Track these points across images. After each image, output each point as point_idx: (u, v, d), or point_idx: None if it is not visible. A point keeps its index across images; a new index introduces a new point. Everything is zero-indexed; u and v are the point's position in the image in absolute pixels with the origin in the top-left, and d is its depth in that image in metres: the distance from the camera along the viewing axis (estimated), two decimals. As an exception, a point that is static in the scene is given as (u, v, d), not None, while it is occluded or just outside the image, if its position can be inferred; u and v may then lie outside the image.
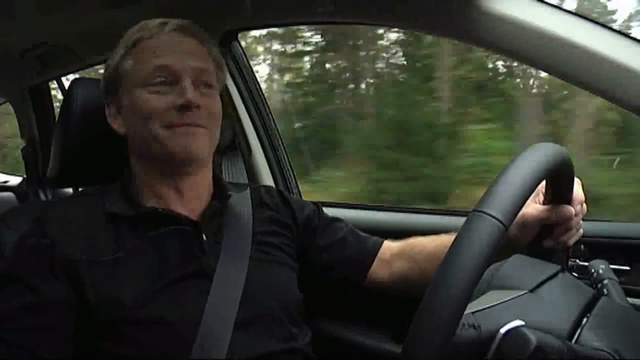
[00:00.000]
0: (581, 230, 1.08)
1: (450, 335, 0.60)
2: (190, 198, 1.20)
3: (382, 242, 1.35)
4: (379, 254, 1.33)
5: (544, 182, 1.02)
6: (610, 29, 0.97)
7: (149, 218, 1.13)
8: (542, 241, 1.06)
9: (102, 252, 1.07)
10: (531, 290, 0.75)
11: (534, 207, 1.07)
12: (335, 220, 1.39)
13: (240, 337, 1.06)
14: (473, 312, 0.69)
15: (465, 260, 0.62)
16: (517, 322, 0.66)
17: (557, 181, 0.96)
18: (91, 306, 1.03)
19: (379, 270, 1.32)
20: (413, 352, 0.59)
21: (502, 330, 0.65)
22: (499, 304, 0.71)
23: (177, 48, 1.17)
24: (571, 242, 1.07)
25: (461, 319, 0.61)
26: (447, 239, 1.22)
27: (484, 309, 0.70)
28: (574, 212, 1.03)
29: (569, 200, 1.02)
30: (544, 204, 1.07)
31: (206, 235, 1.16)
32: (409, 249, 1.30)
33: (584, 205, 1.07)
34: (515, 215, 0.66)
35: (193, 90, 1.14)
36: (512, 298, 0.73)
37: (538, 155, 0.74)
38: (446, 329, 0.59)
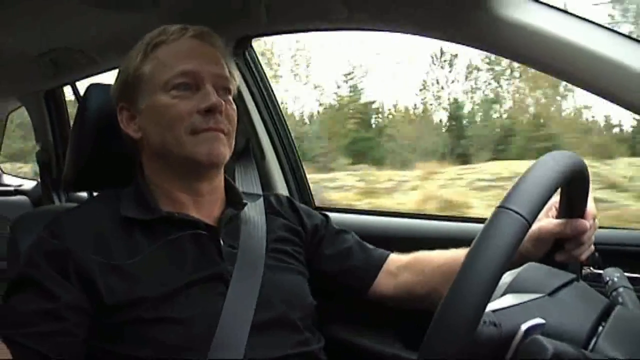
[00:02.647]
0: (592, 247, 1.09)
1: (474, 328, 0.61)
2: (206, 203, 1.21)
3: (388, 255, 1.36)
4: (384, 266, 1.33)
5: (557, 198, 1.03)
6: (621, 34, 0.97)
7: (165, 222, 1.14)
8: (555, 256, 1.06)
9: (118, 256, 1.08)
10: (549, 294, 0.75)
11: (548, 221, 1.08)
12: (343, 231, 1.40)
13: (255, 341, 1.07)
14: (493, 311, 0.70)
15: (489, 253, 0.63)
16: (539, 320, 0.67)
17: (573, 192, 0.96)
18: (107, 309, 1.03)
19: (383, 282, 1.32)
20: (436, 342, 0.60)
21: (523, 327, 0.65)
22: (519, 304, 0.72)
23: (198, 54, 1.17)
24: (583, 257, 1.08)
25: (482, 315, 0.62)
26: (454, 254, 1.22)
27: (504, 308, 0.71)
28: (588, 225, 1.04)
29: (582, 214, 1.03)
30: (557, 218, 1.07)
31: (223, 241, 1.16)
32: (416, 262, 1.31)
33: (597, 220, 1.07)
34: (538, 212, 0.68)
35: (216, 95, 1.15)
36: (532, 300, 0.73)
37: (561, 159, 0.76)
38: (470, 321, 0.60)
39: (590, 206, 1.05)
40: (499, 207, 0.66)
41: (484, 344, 0.66)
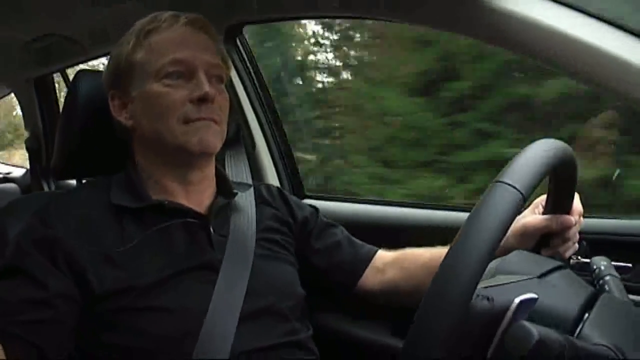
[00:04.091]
0: (576, 245, 1.10)
1: (468, 298, 0.62)
2: (196, 192, 1.21)
3: (376, 251, 1.36)
4: (372, 262, 1.34)
5: (543, 196, 1.05)
6: (614, 24, 0.97)
7: (155, 210, 1.14)
8: (540, 252, 1.08)
9: (108, 244, 1.07)
10: (539, 277, 0.77)
11: (534, 217, 1.10)
12: (332, 225, 1.40)
13: (244, 330, 1.07)
14: (486, 287, 0.71)
15: (485, 224, 0.64)
16: (532, 295, 0.68)
17: (561, 186, 0.98)
18: (96, 298, 1.03)
19: (370, 278, 1.33)
20: (432, 311, 0.61)
21: (517, 300, 0.66)
22: (510, 282, 0.74)
23: (191, 42, 1.17)
24: (568, 254, 1.09)
25: (477, 284, 0.63)
26: (441, 251, 1.23)
27: (497, 285, 0.72)
28: (574, 221, 1.05)
29: (568, 210, 1.04)
30: (543, 214, 1.09)
31: (213, 229, 1.16)
32: (403, 258, 1.32)
33: (582, 217, 1.09)
34: (534, 187, 0.69)
35: (208, 84, 1.14)
36: (522, 279, 0.75)
37: (554, 144, 0.78)
38: (464, 290, 0.61)
39: (577, 203, 1.07)
40: (495, 181, 0.68)
41: (477, 318, 0.68)
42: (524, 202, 0.67)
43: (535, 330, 0.61)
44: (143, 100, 1.16)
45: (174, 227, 1.13)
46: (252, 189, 1.33)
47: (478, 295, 0.69)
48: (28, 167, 3.15)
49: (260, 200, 1.32)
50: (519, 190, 0.67)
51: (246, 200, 1.28)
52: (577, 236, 1.10)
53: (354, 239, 1.39)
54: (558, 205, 1.05)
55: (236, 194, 1.26)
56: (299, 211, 1.37)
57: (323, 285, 1.36)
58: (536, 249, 1.09)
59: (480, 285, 0.68)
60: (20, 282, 1.03)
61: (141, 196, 1.16)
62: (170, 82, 1.14)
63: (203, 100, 1.13)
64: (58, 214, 1.10)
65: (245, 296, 1.11)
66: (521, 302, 0.66)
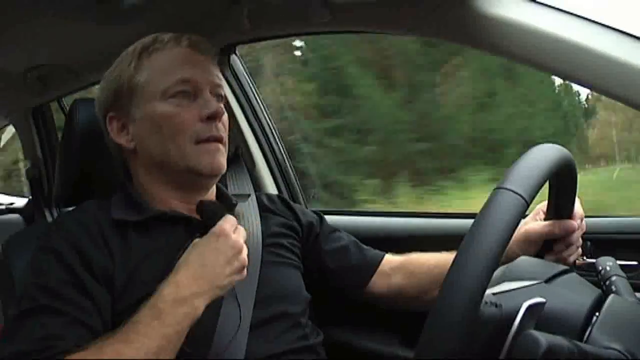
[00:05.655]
0: (580, 250, 1.10)
1: (477, 305, 0.62)
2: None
3: (383, 256, 1.36)
4: (379, 267, 1.34)
5: (544, 202, 1.05)
6: (606, 26, 0.97)
7: (157, 220, 1.14)
8: (543, 258, 1.08)
9: (117, 260, 1.07)
10: (545, 282, 0.77)
11: (536, 223, 1.10)
12: (337, 230, 1.41)
13: (257, 338, 1.07)
14: (494, 294, 0.71)
15: (489, 230, 0.64)
16: (540, 299, 0.67)
17: (561, 191, 0.98)
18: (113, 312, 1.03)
19: (377, 282, 1.33)
20: (441, 319, 0.62)
21: (525, 305, 0.66)
22: (518, 288, 0.74)
23: (195, 62, 1.18)
24: (572, 258, 1.09)
25: (485, 290, 0.63)
26: (447, 256, 1.23)
27: (504, 291, 0.73)
28: (577, 225, 1.05)
29: (570, 214, 1.04)
30: (545, 220, 1.09)
31: None
32: (408, 263, 1.32)
33: (584, 222, 1.08)
34: (535, 192, 0.70)
35: (215, 102, 1.15)
36: (530, 285, 0.75)
37: (552, 147, 0.80)
38: (472, 297, 0.62)
39: (578, 207, 1.07)
40: (497, 188, 0.69)
41: (486, 324, 0.68)
42: (527, 207, 0.68)
43: (543, 339, 0.60)
44: (149, 121, 1.15)
45: (179, 237, 1.12)
46: (254, 197, 1.33)
47: (486, 302, 0.69)
48: (30, 196, 3.14)
49: (263, 209, 1.32)
50: (521, 196, 0.67)
51: (249, 208, 1.29)
52: (580, 240, 1.10)
53: (360, 243, 1.39)
54: (559, 210, 1.05)
55: (236, 203, 1.26)
56: (304, 216, 1.38)
57: (332, 287, 1.35)
58: (539, 256, 1.08)
59: (488, 292, 0.68)
60: (59, 269, 1.03)
61: (142, 209, 1.15)
62: (177, 102, 1.14)
63: (212, 118, 1.14)
64: (74, 227, 1.10)
65: (256, 303, 1.11)
66: (529, 306, 0.66)
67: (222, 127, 1.17)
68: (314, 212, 1.45)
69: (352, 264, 1.34)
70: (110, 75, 1.22)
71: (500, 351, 0.66)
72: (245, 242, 1.08)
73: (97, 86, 2.12)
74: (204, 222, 1.12)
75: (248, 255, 1.15)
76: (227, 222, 1.06)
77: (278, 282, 1.18)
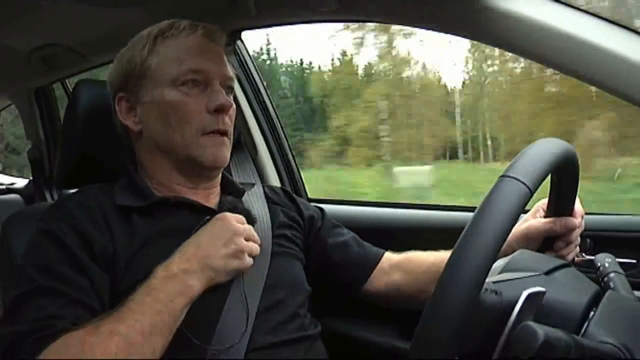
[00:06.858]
0: (578, 249, 1.11)
1: (478, 288, 0.63)
2: (202, 192, 1.21)
3: (383, 253, 1.37)
4: (379, 264, 1.34)
5: (545, 200, 1.05)
6: (615, 22, 0.97)
7: (161, 206, 1.14)
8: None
9: (121, 244, 1.07)
10: (545, 273, 0.78)
11: (537, 220, 1.10)
12: (338, 225, 1.41)
13: (258, 326, 1.07)
14: (494, 282, 0.71)
15: (493, 216, 0.65)
16: (539, 288, 0.68)
17: (563, 187, 0.99)
18: (115, 293, 1.03)
19: (376, 279, 1.34)
20: (442, 301, 0.62)
21: (525, 293, 0.67)
22: (518, 278, 0.75)
23: (208, 52, 1.17)
24: (571, 256, 1.09)
25: (488, 270, 0.64)
26: (445, 255, 1.23)
27: (505, 280, 0.74)
28: (577, 223, 1.05)
29: (571, 212, 1.05)
30: (545, 217, 1.09)
31: None
32: (408, 261, 1.33)
33: (583, 220, 1.09)
34: (539, 182, 0.71)
35: (224, 95, 1.15)
36: (530, 276, 0.76)
37: (557, 141, 0.80)
38: (474, 279, 0.62)
39: (578, 205, 1.07)
40: (502, 176, 0.69)
41: (486, 311, 0.69)
42: (530, 196, 0.68)
43: (541, 331, 0.61)
44: (157, 107, 1.15)
45: (182, 222, 1.12)
46: (260, 186, 1.34)
47: (487, 290, 0.69)
48: (31, 177, 3.14)
49: (267, 200, 1.32)
50: (525, 184, 0.68)
51: (257, 197, 1.29)
52: (579, 239, 1.10)
53: (361, 240, 1.40)
54: (560, 207, 1.05)
55: (244, 191, 1.27)
56: (306, 209, 1.38)
57: (331, 280, 1.35)
58: (539, 253, 1.08)
59: (488, 280, 0.69)
60: (58, 250, 1.03)
61: (146, 195, 1.15)
62: (187, 91, 1.14)
63: (220, 110, 1.14)
64: (77, 210, 1.09)
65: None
66: (529, 295, 0.67)
67: (229, 121, 1.17)
68: (316, 206, 1.45)
69: (351, 261, 1.34)
70: (124, 56, 1.21)
71: (498, 342, 0.67)
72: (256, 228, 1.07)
73: (100, 69, 2.16)
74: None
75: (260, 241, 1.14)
76: (234, 215, 1.07)
77: (281, 272, 1.18)
